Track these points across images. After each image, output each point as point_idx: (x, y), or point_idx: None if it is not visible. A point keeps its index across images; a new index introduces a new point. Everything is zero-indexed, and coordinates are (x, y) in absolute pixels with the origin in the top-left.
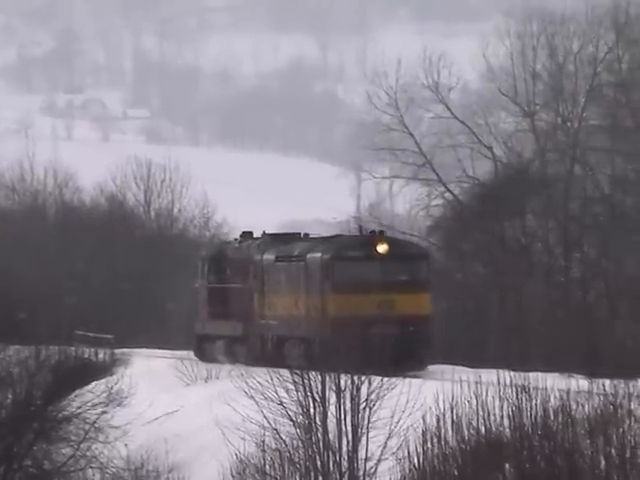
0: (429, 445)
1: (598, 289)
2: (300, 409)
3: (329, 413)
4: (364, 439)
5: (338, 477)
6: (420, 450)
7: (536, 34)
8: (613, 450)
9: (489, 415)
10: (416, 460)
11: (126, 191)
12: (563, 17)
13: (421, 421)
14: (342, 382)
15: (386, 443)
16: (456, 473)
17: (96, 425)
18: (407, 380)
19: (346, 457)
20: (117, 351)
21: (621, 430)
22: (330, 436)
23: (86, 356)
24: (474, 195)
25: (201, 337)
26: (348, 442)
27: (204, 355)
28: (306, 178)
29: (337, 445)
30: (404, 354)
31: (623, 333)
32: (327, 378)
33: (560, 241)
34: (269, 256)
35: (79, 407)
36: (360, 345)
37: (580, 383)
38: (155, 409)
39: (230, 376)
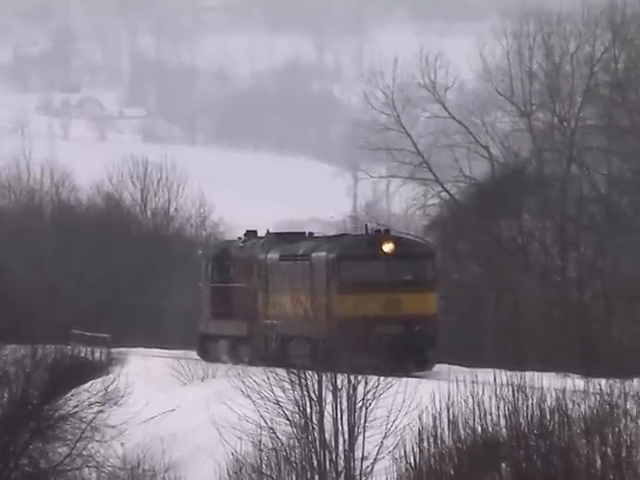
0: (425, 444)
1: (594, 289)
2: (297, 408)
3: (326, 412)
4: (360, 438)
5: (334, 476)
6: (416, 449)
7: (533, 34)
8: (609, 449)
9: (485, 414)
10: (412, 459)
11: (122, 190)
12: (559, 17)
13: (417, 420)
14: (339, 381)
15: (382, 442)
16: (452, 472)
17: (92, 424)
18: (403, 380)
19: (342, 456)
20: (113, 350)
21: (617, 430)
22: (327, 435)
23: (83, 355)
24: (471, 195)
25: (204, 337)
26: (345, 441)
27: (207, 355)
28: (303, 177)
29: (333, 444)
30: (410, 354)
31: (619, 333)
32: (324, 377)
33: (556, 241)
34: (273, 255)
35: (75, 406)
36: (366, 345)
37: (576, 383)
38: (151, 408)
39: (227, 375)
